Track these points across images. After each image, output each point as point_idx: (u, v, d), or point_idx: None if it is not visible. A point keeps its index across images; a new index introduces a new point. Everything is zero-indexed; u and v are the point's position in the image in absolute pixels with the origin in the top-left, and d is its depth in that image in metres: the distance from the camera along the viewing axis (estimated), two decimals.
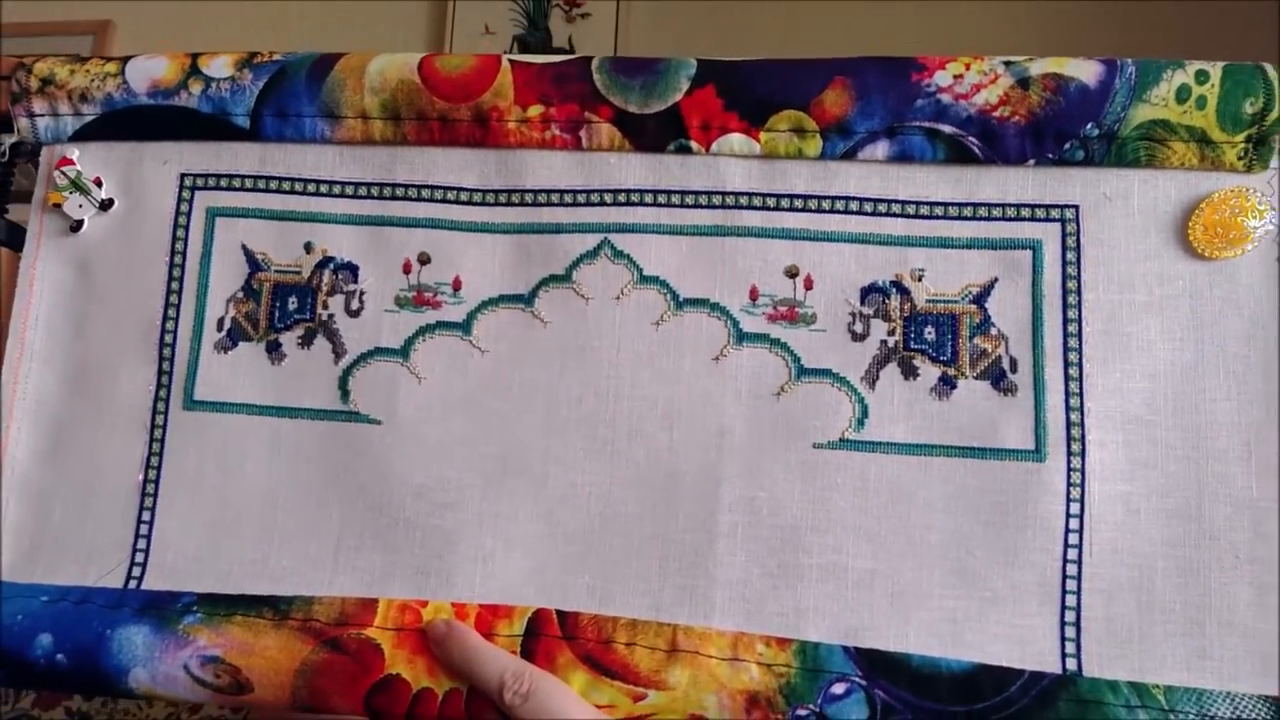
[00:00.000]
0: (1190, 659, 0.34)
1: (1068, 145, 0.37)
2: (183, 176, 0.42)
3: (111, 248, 0.43)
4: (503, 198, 0.40)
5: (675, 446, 0.38)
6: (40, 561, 0.40)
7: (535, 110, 0.40)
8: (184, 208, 0.42)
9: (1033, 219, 0.37)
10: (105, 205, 0.43)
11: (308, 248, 0.42)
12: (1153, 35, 1.19)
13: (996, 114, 0.37)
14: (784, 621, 0.36)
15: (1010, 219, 0.37)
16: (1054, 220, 0.37)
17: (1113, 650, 0.35)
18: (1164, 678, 0.34)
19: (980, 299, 0.37)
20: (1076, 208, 0.37)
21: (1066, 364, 0.36)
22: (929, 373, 0.37)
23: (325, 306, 0.41)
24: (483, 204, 0.41)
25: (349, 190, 0.41)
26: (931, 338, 0.37)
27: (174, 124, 0.42)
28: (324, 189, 0.42)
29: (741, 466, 0.37)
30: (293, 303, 0.41)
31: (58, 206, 0.43)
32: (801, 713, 0.35)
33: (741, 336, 0.38)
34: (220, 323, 0.42)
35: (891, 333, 0.38)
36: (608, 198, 0.40)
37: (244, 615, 0.38)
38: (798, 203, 0.39)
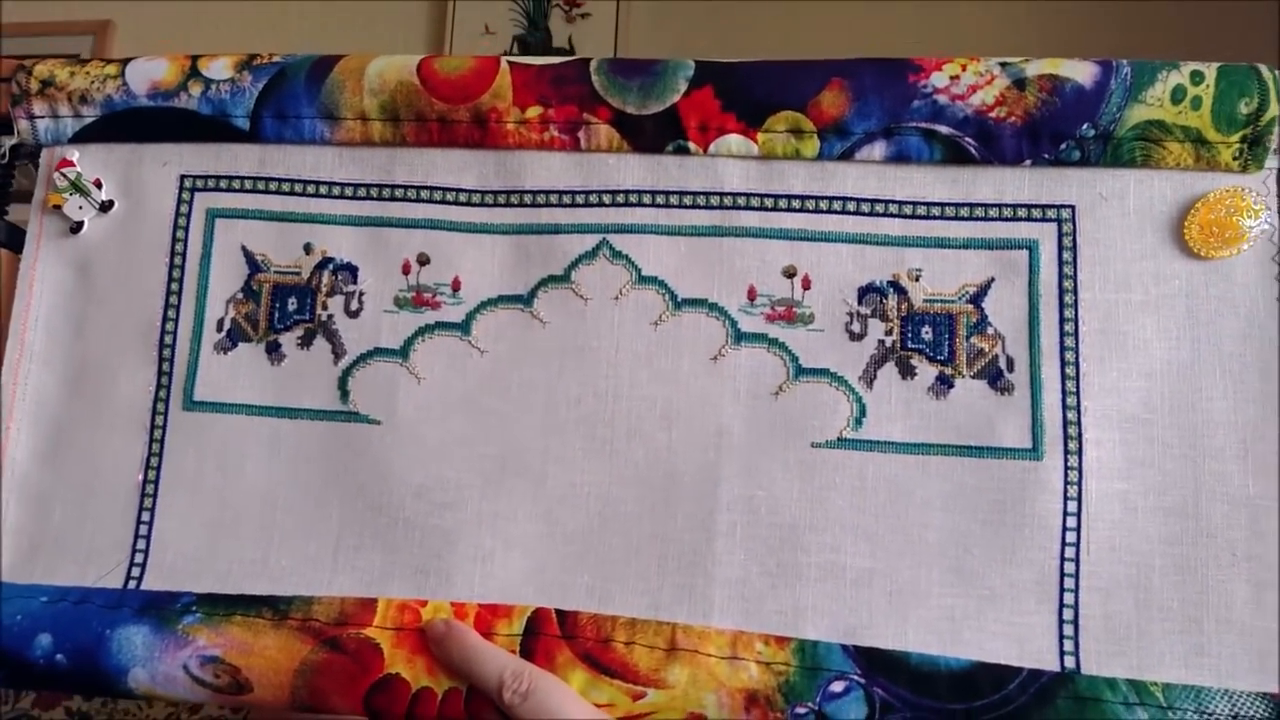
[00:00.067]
0: (1188, 656, 0.34)
1: (1064, 145, 0.37)
2: (182, 178, 0.43)
3: (111, 249, 0.43)
4: (501, 198, 0.41)
5: (674, 446, 0.38)
6: (40, 562, 0.40)
7: (534, 111, 0.40)
8: (184, 209, 0.42)
9: (1029, 219, 0.37)
10: (105, 207, 0.43)
11: (307, 249, 0.42)
12: (1153, 35, 1.19)
13: (993, 115, 0.37)
14: (783, 620, 0.36)
15: (1007, 219, 0.38)
16: (1050, 220, 0.37)
17: (1111, 648, 0.35)
18: (1162, 675, 0.34)
19: (977, 299, 0.38)
20: (1073, 208, 0.37)
21: (1063, 363, 0.36)
22: (926, 372, 0.37)
23: (325, 307, 0.41)
24: (481, 205, 0.41)
25: (348, 191, 0.42)
26: (929, 337, 0.38)
27: (174, 125, 0.42)
28: (323, 190, 0.42)
29: (740, 466, 0.38)
30: (292, 303, 0.41)
31: (58, 208, 0.43)
32: (800, 711, 0.35)
33: (739, 336, 0.38)
34: (220, 323, 0.42)
35: (889, 332, 0.38)
36: (606, 198, 0.40)
37: (243, 615, 0.38)
38: (795, 203, 0.39)
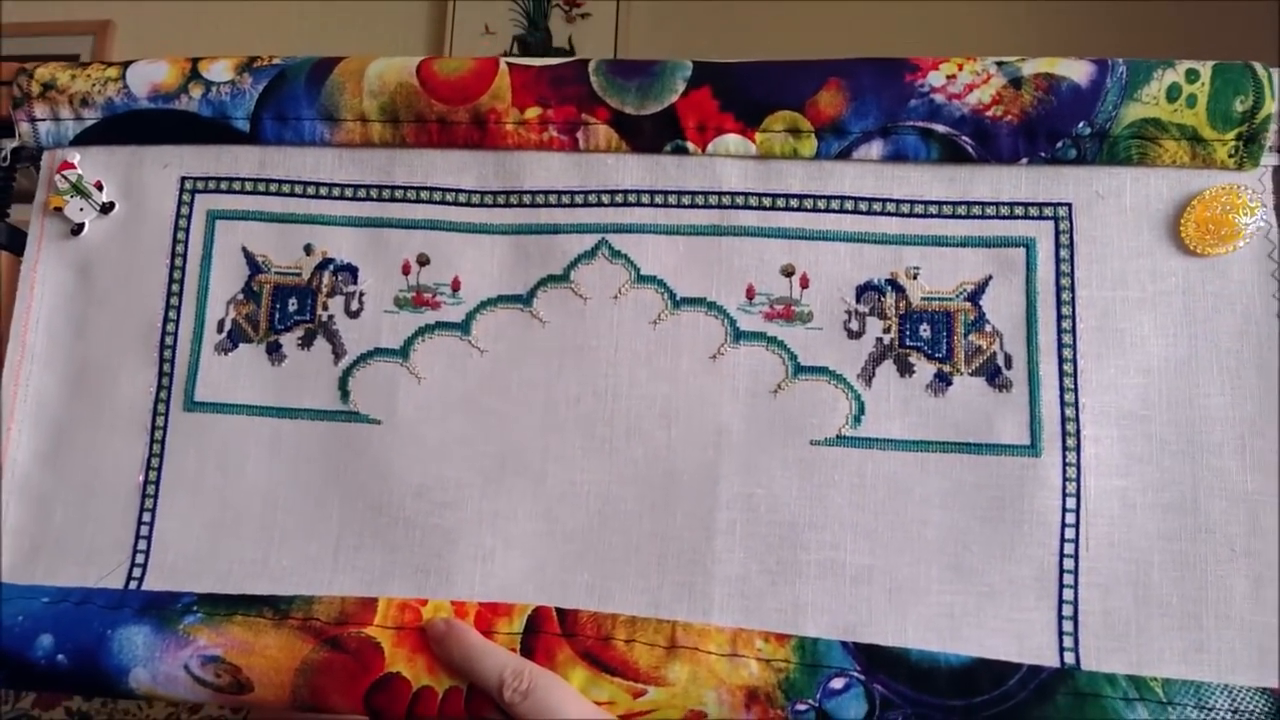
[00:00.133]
0: (1188, 652, 0.34)
1: (1060, 144, 0.37)
2: (183, 180, 0.43)
3: (112, 251, 0.43)
4: (501, 199, 0.41)
5: (673, 444, 0.38)
6: (41, 563, 0.41)
7: (533, 112, 0.40)
8: (184, 211, 0.43)
9: (1026, 217, 0.38)
10: (106, 209, 0.43)
11: (307, 249, 0.42)
12: (1152, 35, 1.19)
13: (989, 113, 0.37)
14: (783, 617, 0.36)
15: (1004, 217, 0.38)
16: (1047, 218, 0.37)
17: (1110, 644, 0.35)
18: (1162, 671, 0.34)
19: (975, 296, 0.38)
20: (1069, 205, 0.37)
21: (1061, 360, 0.37)
22: (925, 369, 0.38)
23: (325, 308, 0.41)
24: (481, 205, 0.41)
25: (348, 192, 0.42)
26: (927, 335, 0.38)
27: (174, 128, 0.42)
28: (323, 191, 0.42)
29: (739, 464, 0.38)
30: (293, 304, 0.42)
31: (59, 210, 0.43)
32: (801, 708, 0.35)
33: (738, 335, 0.39)
34: (220, 324, 0.42)
35: (887, 330, 0.38)
36: (605, 198, 0.40)
37: (244, 615, 0.38)
38: (793, 202, 0.39)
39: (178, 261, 0.42)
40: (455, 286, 0.41)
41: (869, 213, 0.39)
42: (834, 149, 0.38)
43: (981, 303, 0.38)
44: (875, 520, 0.37)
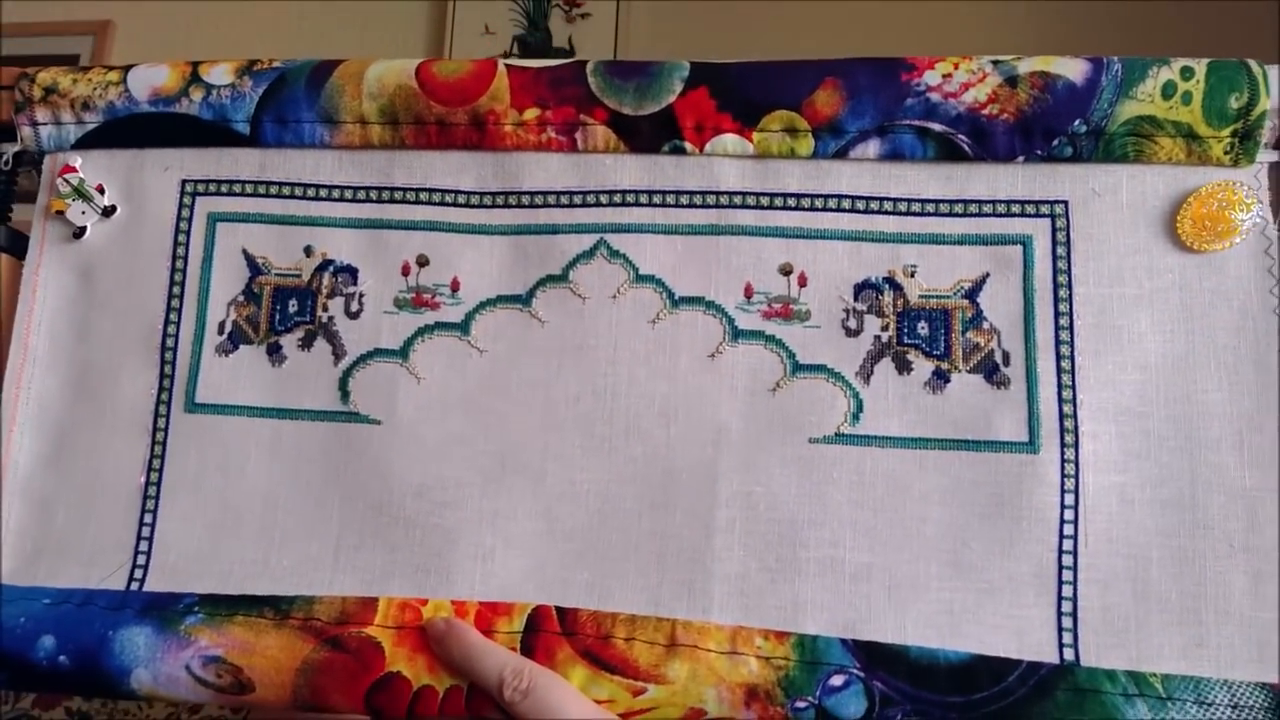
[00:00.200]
0: (1187, 648, 0.34)
1: (1056, 142, 0.37)
2: (184, 183, 0.43)
3: (114, 253, 0.43)
4: (500, 200, 0.41)
5: (672, 443, 0.38)
6: (43, 564, 0.41)
7: (531, 113, 0.40)
8: (185, 213, 0.43)
9: (1023, 215, 0.38)
10: (108, 212, 0.43)
11: (307, 251, 0.42)
12: (1152, 35, 1.20)
13: (985, 112, 0.37)
14: (782, 615, 0.36)
15: (1001, 215, 0.38)
16: (1044, 216, 0.38)
17: (1110, 640, 0.35)
18: (1161, 667, 0.34)
19: (972, 294, 0.38)
20: (1066, 203, 0.37)
21: (1059, 357, 0.37)
22: (923, 367, 0.38)
23: (325, 309, 0.42)
24: (480, 206, 0.41)
25: (348, 194, 0.42)
26: (925, 333, 0.38)
27: (175, 131, 0.43)
28: (323, 193, 0.42)
29: (738, 462, 0.38)
30: (293, 305, 0.42)
31: (61, 214, 0.43)
32: (800, 705, 0.35)
33: (737, 334, 0.39)
34: (221, 326, 0.42)
35: (885, 328, 0.38)
36: (603, 198, 0.40)
37: (245, 615, 0.38)
38: (791, 201, 0.39)
39: (179, 264, 0.43)
40: (454, 287, 0.41)
41: (866, 211, 0.39)
42: (831, 148, 0.39)
43: (979, 300, 0.38)
44: (874, 518, 0.37)
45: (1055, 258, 0.37)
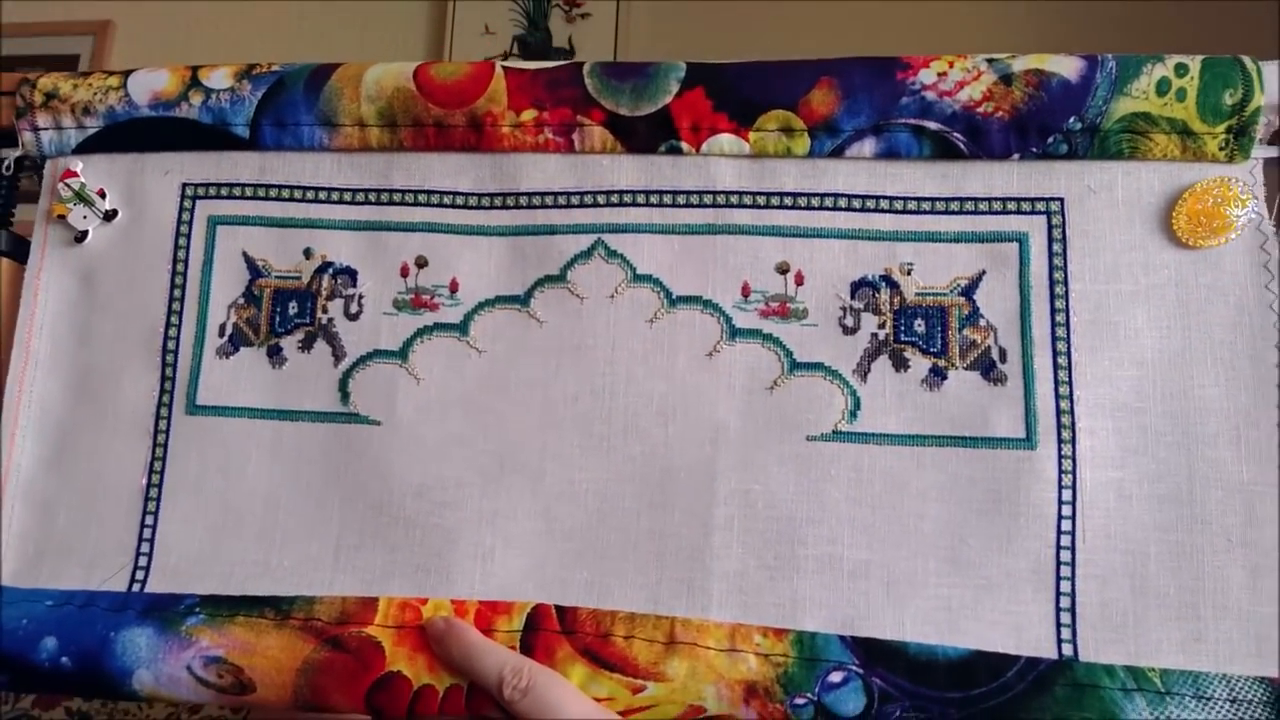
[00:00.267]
0: (1185, 642, 0.34)
1: (1051, 139, 0.37)
2: (184, 186, 0.43)
3: (115, 257, 0.43)
4: (498, 201, 0.41)
5: (670, 442, 0.38)
6: (45, 566, 0.41)
7: (529, 115, 0.40)
8: (185, 217, 0.43)
9: (1019, 212, 0.38)
10: (109, 216, 0.44)
11: (307, 253, 0.42)
12: (1152, 35, 1.20)
13: (980, 110, 0.38)
14: (781, 612, 0.36)
15: (996, 212, 0.38)
16: (1039, 213, 0.38)
17: (1108, 635, 0.35)
18: (1160, 661, 0.34)
19: (969, 291, 0.38)
20: (1061, 200, 0.38)
21: (1055, 353, 0.37)
22: (920, 364, 0.38)
23: (325, 310, 0.42)
24: (478, 207, 0.41)
25: (347, 196, 0.42)
26: (921, 330, 0.38)
27: (175, 135, 0.43)
28: (322, 196, 0.42)
29: (736, 460, 0.38)
30: (293, 307, 0.42)
31: (62, 218, 0.43)
32: (799, 702, 0.35)
33: (734, 332, 0.39)
34: (222, 328, 0.42)
35: (882, 326, 0.38)
36: (601, 199, 0.40)
37: (246, 616, 0.39)
38: (787, 200, 0.39)
39: (179, 267, 0.43)
40: (453, 288, 0.41)
41: (863, 210, 0.39)
42: (827, 147, 0.39)
43: (975, 297, 0.38)
44: (872, 515, 0.37)
45: (1051, 254, 0.37)
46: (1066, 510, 0.36)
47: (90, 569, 0.40)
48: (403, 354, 0.41)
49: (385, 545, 0.39)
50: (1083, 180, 0.37)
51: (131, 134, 0.43)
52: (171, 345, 0.42)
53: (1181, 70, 0.37)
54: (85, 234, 0.44)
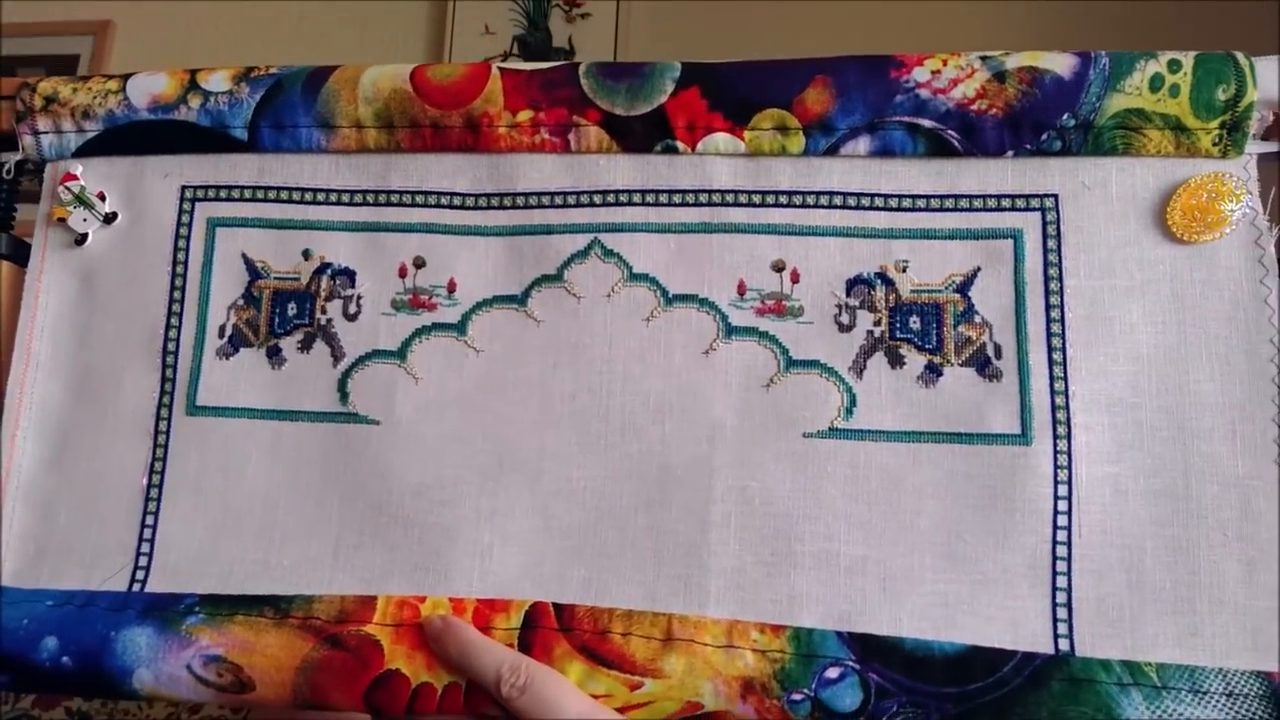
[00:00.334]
0: (1182, 637, 0.34)
1: (1045, 136, 0.37)
2: (183, 188, 0.44)
3: (115, 259, 0.44)
4: (495, 201, 0.41)
5: (667, 439, 0.39)
6: (45, 567, 0.41)
7: (525, 115, 0.41)
8: (185, 219, 0.43)
9: (1013, 209, 0.38)
10: (109, 219, 0.44)
11: (306, 255, 0.43)
12: (1152, 35, 1.20)
13: (974, 107, 0.38)
14: (778, 608, 0.36)
15: (991, 209, 0.38)
16: (1034, 209, 0.38)
17: (1104, 630, 0.35)
18: (1156, 656, 0.34)
19: (964, 288, 0.38)
20: (1056, 196, 0.38)
21: (1050, 349, 0.37)
22: (915, 361, 0.38)
23: (324, 311, 0.42)
24: (475, 208, 0.41)
25: (345, 198, 0.42)
26: (917, 327, 0.38)
27: (174, 138, 0.43)
28: (321, 197, 0.43)
29: (733, 457, 0.38)
30: (292, 308, 0.42)
31: (62, 221, 0.44)
32: (796, 697, 0.35)
33: (730, 330, 0.39)
34: (222, 329, 0.43)
35: (877, 323, 0.38)
36: (597, 198, 0.40)
37: (245, 615, 0.39)
38: (783, 198, 0.39)
39: (179, 269, 0.43)
40: (451, 288, 0.41)
41: (858, 208, 0.39)
42: (822, 145, 0.39)
43: (970, 294, 0.38)
44: (869, 511, 0.37)
45: (1046, 251, 0.37)
46: (1062, 505, 0.36)
47: (91, 569, 0.41)
48: (401, 354, 0.41)
49: (384, 544, 0.39)
50: (1077, 177, 0.38)
51: (131, 137, 0.44)
52: (172, 346, 0.43)
53: (1174, 66, 0.37)
54: (85, 237, 0.44)
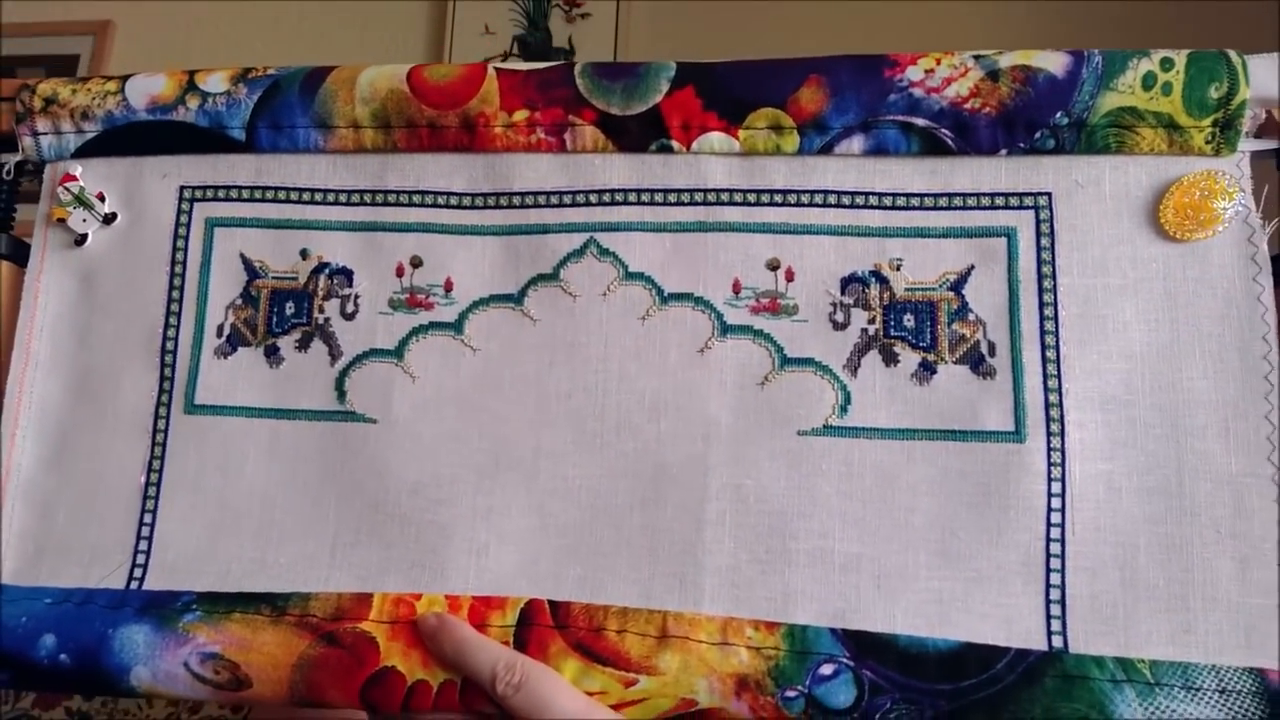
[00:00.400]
0: (1175, 634, 0.35)
1: (1038, 134, 0.37)
2: (182, 189, 0.44)
3: (114, 259, 0.44)
4: (491, 201, 0.41)
5: (663, 437, 0.39)
6: (44, 565, 0.41)
7: (521, 115, 0.41)
8: (183, 219, 0.44)
9: (1006, 207, 0.38)
10: (108, 219, 0.44)
11: (303, 254, 0.43)
12: (1152, 35, 1.20)
13: (968, 106, 0.38)
14: (772, 606, 0.37)
15: (985, 208, 0.38)
16: (1028, 208, 0.38)
17: (1098, 627, 0.35)
18: (1149, 653, 0.34)
19: (957, 286, 0.38)
20: (1049, 195, 0.38)
21: (1044, 347, 0.37)
22: (909, 359, 0.38)
23: (321, 310, 0.42)
24: (472, 207, 0.42)
25: (342, 198, 0.43)
26: (911, 325, 0.38)
27: (173, 138, 0.43)
28: (318, 197, 0.43)
29: (728, 455, 0.38)
30: (290, 308, 0.42)
31: (62, 221, 0.44)
32: (790, 694, 0.35)
33: (725, 329, 0.39)
34: (220, 329, 0.43)
35: (872, 321, 0.38)
36: (593, 198, 0.41)
37: (242, 612, 0.39)
38: (777, 197, 0.39)
39: (178, 269, 0.43)
40: (448, 287, 0.41)
41: (852, 206, 0.39)
42: (816, 144, 0.39)
43: (964, 292, 0.38)
44: (863, 508, 0.37)
45: (1039, 249, 0.38)
46: (1056, 503, 0.36)
47: (89, 567, 0.41)
48: (398, 353, 0.41)
49: (381, 542, 0.40)
50: (1070, 175, 0.38)
51: (130, 138, 0.44)
52: (170, 346, 0.43)
53: (1167, 65, 0.37)
54: (85, 237, 0.44)
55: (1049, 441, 0.36)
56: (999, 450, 0.36)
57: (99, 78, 0.45)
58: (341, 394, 0.41)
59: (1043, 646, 0.35)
